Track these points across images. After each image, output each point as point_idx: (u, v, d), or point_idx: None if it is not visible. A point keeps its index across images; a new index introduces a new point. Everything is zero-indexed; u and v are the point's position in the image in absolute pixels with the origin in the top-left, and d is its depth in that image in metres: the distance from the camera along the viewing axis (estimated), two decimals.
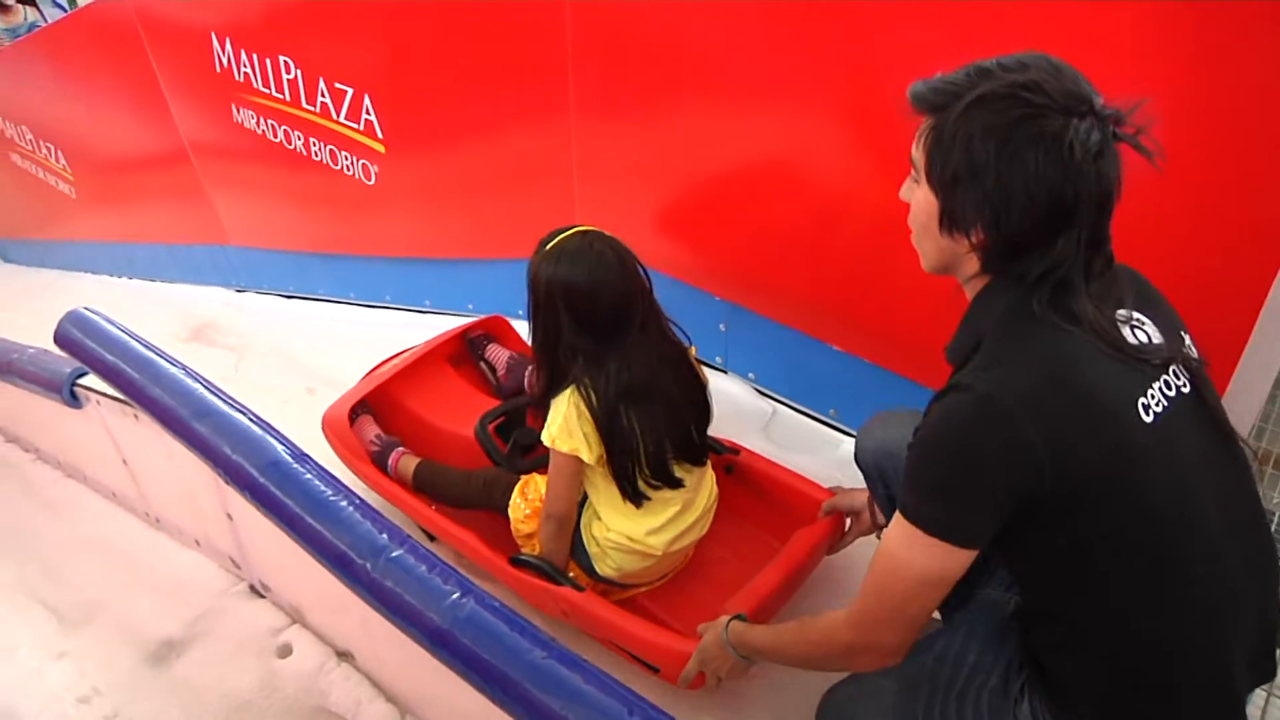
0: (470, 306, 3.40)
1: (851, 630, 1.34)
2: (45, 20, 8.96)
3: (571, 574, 1.99)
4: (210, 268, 4.68)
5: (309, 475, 1.88)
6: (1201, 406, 1.23)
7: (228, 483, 1.96)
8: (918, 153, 1.24)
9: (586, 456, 1.84)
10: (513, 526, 2.08)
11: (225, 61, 3.66)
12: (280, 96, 3.51)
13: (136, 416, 2.34)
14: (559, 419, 1.84)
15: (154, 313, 4.76)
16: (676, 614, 2.05)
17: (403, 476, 2.34)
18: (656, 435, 1.87)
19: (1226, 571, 1.20)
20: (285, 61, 3.42)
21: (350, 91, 3.25)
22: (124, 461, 2.64)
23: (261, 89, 3.57)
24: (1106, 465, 1.14)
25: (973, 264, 1.25)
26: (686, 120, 2.35)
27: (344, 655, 2.16)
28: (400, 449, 2.41)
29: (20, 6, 9.06)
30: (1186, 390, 1.22)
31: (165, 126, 4.29)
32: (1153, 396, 1.18)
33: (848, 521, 2.03)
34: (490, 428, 2.37)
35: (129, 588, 2.54)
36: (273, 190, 4.02)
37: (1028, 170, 1.13)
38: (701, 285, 2.60)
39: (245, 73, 3.60)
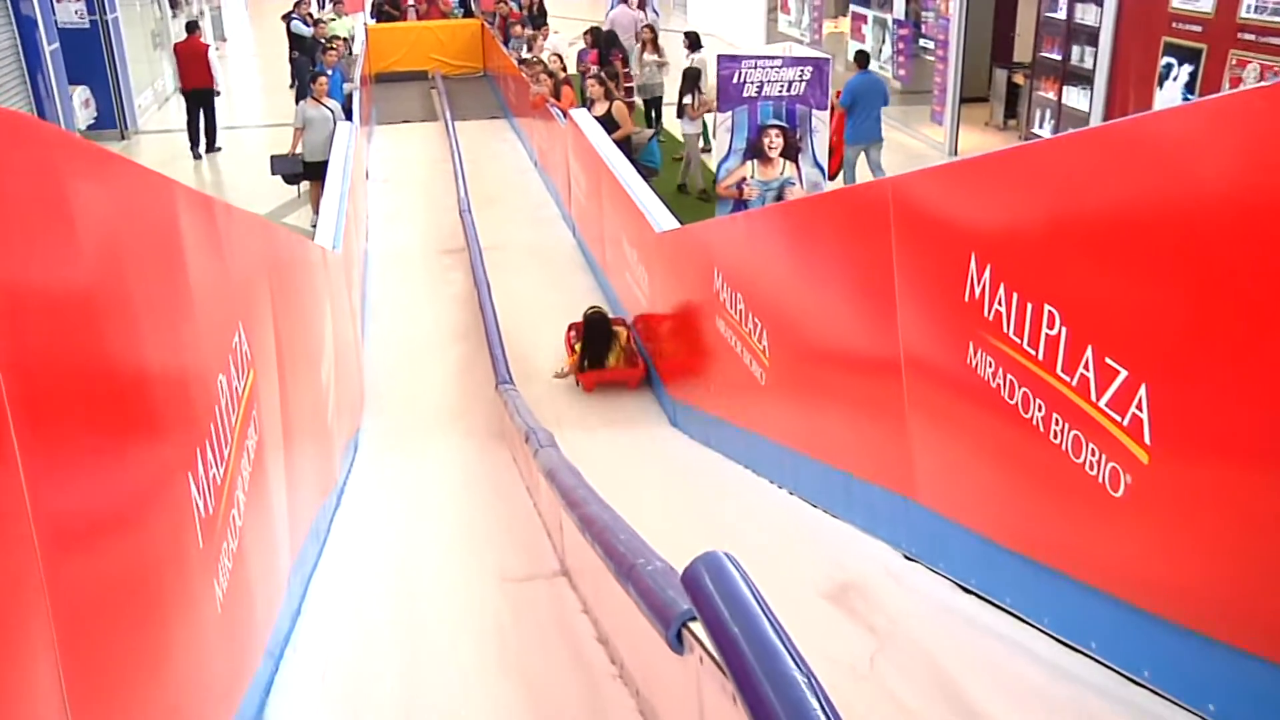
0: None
1: None
2: (796, 183, 9.76)
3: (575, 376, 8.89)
4: (884, 517, 4.23)
5: None
6: None
7: None
8: None
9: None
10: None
11: (978, 291, 3.25)
12: (1031, 352, 3.01)
13: (735, 699, 1.98)
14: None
15: (800, 548, 4.50)
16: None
17: None
18: (597, 353, 8.67)
19: None
20: (1051, 312, 2.91)
21: (1123, 374, 2.64)
22: None
23: (1012, 336, 3.10)
24: None
25: None
26: None
27: None
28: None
29: (781, 160, 9.95)
30: None
31: (886, 336, 3.98)
32: None
33: None
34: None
35: None
36: (987, 457, 3.46)
37: None
38: None
39: (997, 310, 3.16)
